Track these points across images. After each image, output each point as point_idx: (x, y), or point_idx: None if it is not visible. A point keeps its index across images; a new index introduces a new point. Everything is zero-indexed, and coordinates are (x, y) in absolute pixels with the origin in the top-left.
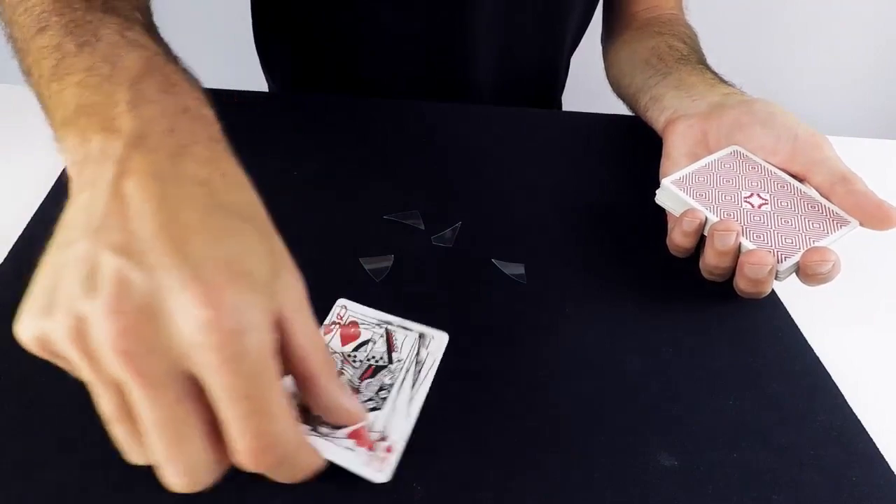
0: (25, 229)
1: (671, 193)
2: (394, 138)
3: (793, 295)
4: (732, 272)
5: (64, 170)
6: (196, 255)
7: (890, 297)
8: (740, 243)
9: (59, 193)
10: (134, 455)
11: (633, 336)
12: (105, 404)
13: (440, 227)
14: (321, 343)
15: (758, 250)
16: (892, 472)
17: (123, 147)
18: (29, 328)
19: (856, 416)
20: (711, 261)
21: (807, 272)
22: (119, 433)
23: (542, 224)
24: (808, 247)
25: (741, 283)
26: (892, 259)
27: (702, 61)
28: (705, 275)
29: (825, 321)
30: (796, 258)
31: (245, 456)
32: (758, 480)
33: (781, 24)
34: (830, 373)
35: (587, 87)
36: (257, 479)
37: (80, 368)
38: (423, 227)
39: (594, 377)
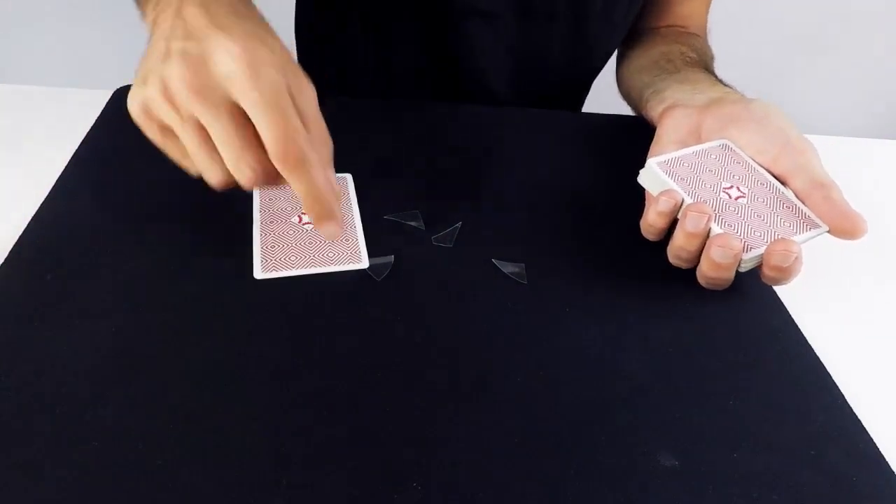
0: (25, 229)
1: (653, 174)
2: (394, 138)
3: (793, 295)
4: (696, 260)
5: (65, 169)
6: (229, 28)
7: (891, 298)
8: (710, 228)
9: (59, 193)
10: (212, 173)
11: (633, 336)
12: (187, 140)
13: (440, 227)
14: (321, 119)
15: (726, 234)
16: (893, 472)
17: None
18: (134, 97)
19: (856, 416)
20: (679, 242)
21: (769, 262)
22: (199, 161)
23: (542, 224)
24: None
25: (705, 267)
26: (893, 259)
27: (708, 68)
28: (672, 259)
29: (825, 321)
30: (762, 250)
31: (271, 149)
32: (758, 480)
33: (781, 23)
34: (830, 373)
35: (606, 95)
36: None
37: (167, 116)
38: (423, 227)
39: (594, 377)
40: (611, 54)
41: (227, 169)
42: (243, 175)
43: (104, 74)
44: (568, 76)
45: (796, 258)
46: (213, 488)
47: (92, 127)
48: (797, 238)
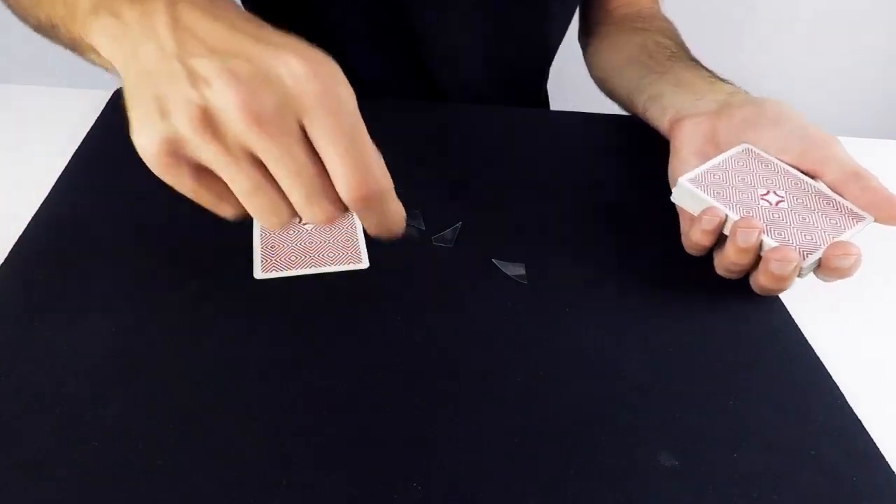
0: (25, 229)
1: (688, 191)
2: (394, 139)
3: (792, 294)
4: (748, 270)
5: (65, 169)
6: (272, 40)
7: (891, 297)
8: (762, 241)
9: (59, 193)
10: (274, 218)
11: (634, 336)
12: (242, 180)
13: (440, 227)
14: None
15: (783, 247)
16: (893, 472)
17: (164, 4)
18: (151, 135)
19: (856, 416)
20: (732, 258)
21: (830, 266)
22: (258, 204)
23: (543, 224)
24: (830, 242)
25: (763, 280)
26: (894, 260)
27: (691, 58)
28: (721, 272)
29: (826, 320)
30: (819, 254)
31: (346, 186)
32: (758, 480)
33: (780, 23)
34: (830, 373)
35: (574, 83)
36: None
37: (210, 153)
38: (423, 227)
39: (594, 377)
40: (564, 31)
41: (291, 209)
42: (321, 213)
43: (104, 74)
44: (528, 56)
45: (856, 258)
46: (213, 488)
47: (92, 127)
48: (847, 234)
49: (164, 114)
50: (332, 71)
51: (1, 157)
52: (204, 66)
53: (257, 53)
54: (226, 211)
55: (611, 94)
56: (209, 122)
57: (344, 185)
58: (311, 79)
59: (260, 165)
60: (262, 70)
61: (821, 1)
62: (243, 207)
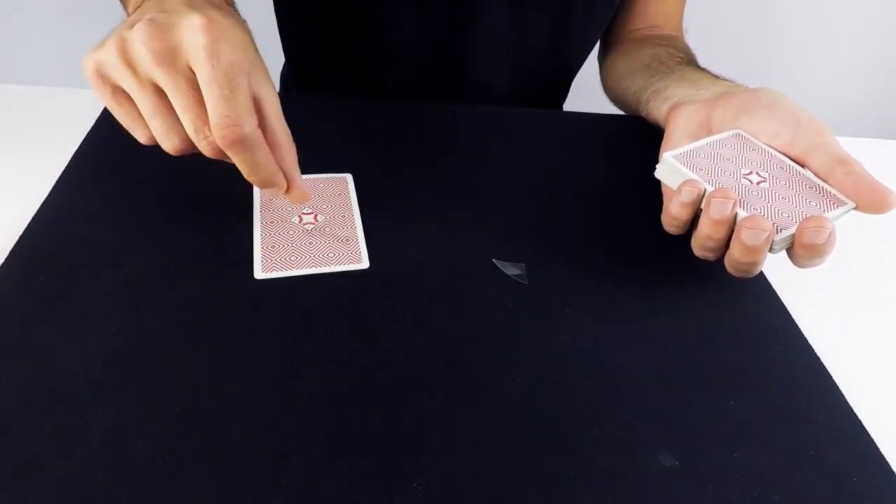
0: (25, 229)
1: (671, 167)
2: (395, 138)
3: (793, 294)
4: (723, 249)
5: (65, 169)
6: (204, 9)
7: (891, 298)
8: (736, 214)
9: (59, 193)
10: (168, 139)
11: (634, 336)
12: (145, 103)
13: (441, 227)
14: (282, 119)
15: (755, 216)
16: (893, 472)
17: None
18: (89, 59)
19: (856, 416)
20: (706, 231)
21: (803, 241)
22: (156, 125)
23: (543, 224)
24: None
25: (736, 252)
26: (894, 260)
27: (699, 67)
28: (698, 251)
29: (826, 321)
30: (792, 230)
31: (214, 126)
32: (758, 480)
33: (781, 23)
34: (830, 373)
35: (587, 96)
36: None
37: (123, 76)
38: (423, 227)
39: (594, 377)
40: (589, 51)
41: (184, 135)
42: (204, 143)
43: None
44: (552, 69)
45: (830, 234)
46: (213, 488)
47: (92, 127)
48: (825, 216)
49: (102, 45)
50: (223, 30)
51: (1, 157)
52: (143, 17)
53: (182, 12)
54: (137, 132)
55: (619, 99)
56: (125, 52)
57: (212, 126)
58: (201, 33)
59: (164, 96)
60: (173, 21)
61: (821, 1)
62: (150, 132)
